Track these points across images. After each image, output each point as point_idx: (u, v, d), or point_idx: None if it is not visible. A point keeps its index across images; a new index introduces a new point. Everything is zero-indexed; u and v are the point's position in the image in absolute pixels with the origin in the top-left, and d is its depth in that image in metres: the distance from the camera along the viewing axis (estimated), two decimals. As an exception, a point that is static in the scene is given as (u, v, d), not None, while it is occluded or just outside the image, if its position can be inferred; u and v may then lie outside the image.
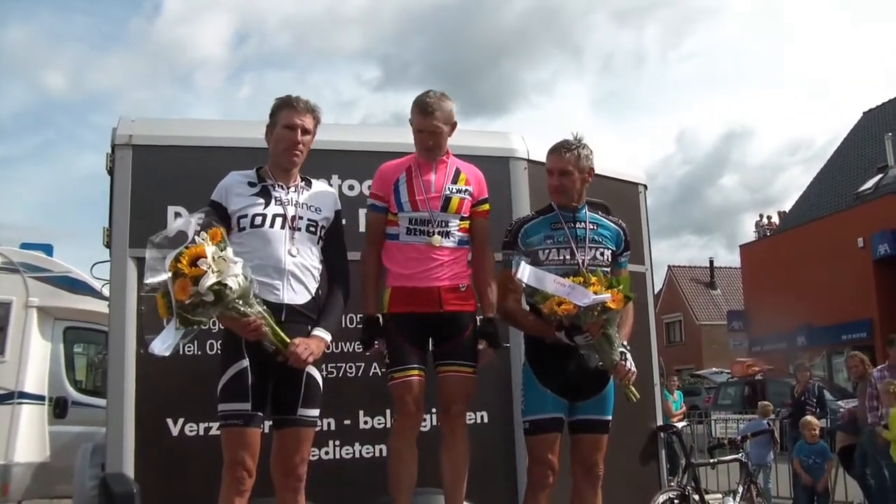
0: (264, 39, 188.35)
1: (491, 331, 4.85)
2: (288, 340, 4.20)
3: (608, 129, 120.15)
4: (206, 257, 3.92)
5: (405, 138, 4.91)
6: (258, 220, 4.38)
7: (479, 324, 4.86)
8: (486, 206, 4.96)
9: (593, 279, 4.69)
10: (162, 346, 4.02)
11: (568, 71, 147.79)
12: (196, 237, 4.03)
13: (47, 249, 11.34)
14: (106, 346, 5.75)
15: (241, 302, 4.03)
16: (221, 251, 4.00)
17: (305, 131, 4.50)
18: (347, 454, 5.40)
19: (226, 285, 3.93)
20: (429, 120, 4.77)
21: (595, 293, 4.59)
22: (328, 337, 4.41)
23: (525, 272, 4.71)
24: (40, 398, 10.16)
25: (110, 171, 5.44)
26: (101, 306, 8.79)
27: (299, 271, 4.41)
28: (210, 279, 3.89)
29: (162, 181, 5.35)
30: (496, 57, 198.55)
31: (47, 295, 10.48)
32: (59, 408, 10.20)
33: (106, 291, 6.58)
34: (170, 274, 3.95)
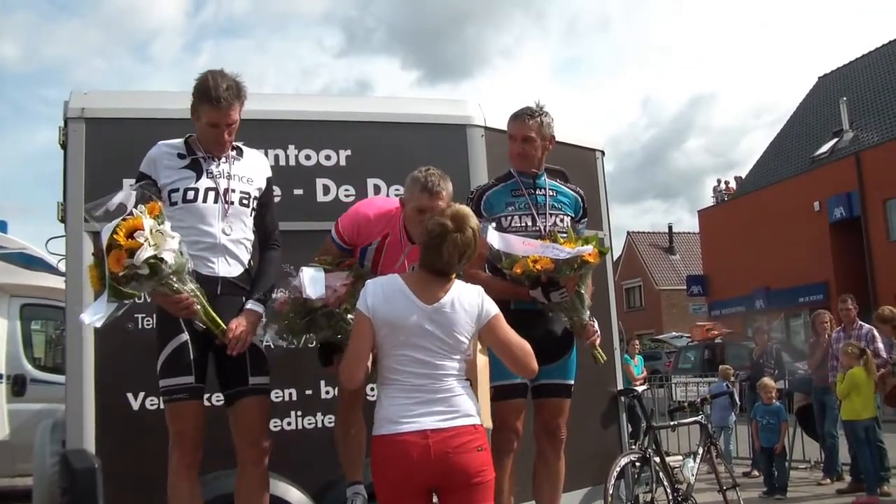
0: (221, 5, 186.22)
1: None
2: (219, 321, 4.20)
3: (573, 95, 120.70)
4: (143, 230, 3.87)
5: (363, 108, 4.86)
6: (190, 194, 4.33)
7: None
8: None
9: (561, 239, 4.72)
10: (93, 316, 3.99)
11: (532, 35, 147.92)
12: (134, 209, 3.97)
13: (1, 226, 11.20)
14: (64, 321, 5.69)
15: (174, 278, 4.00)
16: (160, 225, 3.95)
17: (230, 124, 4.37)
18: (310, 424, 5.39)
19: (162, 259, 3.89)
20: (434, 200, 4.48)
21: (570, 248, 4.64)
22: (261, 310, 4.41)
23: (494, 237, 4.72)
24: (-2, 376, 10.07)
25: (63, 146, 5.36)
26: (58, 282, 8.70)
27: (233, 245, 4.39)
28: (146, 252, 3.85)
29: (117, 154, 5.26)
30: (460, 21, 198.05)
31: (2, 272, 10.35)
32: (18, 385, 10.13)
33: (62, 267, 6.51)
34: (105, 245, 3.90)
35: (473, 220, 3.88)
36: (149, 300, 4.94)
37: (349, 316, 4.25)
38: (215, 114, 4.30)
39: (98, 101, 5.41)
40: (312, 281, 4.33)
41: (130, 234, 3.86)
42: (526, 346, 3.93)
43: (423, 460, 3.56)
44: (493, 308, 3.86)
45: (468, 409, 3.72)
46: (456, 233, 3.77)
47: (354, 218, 4.75)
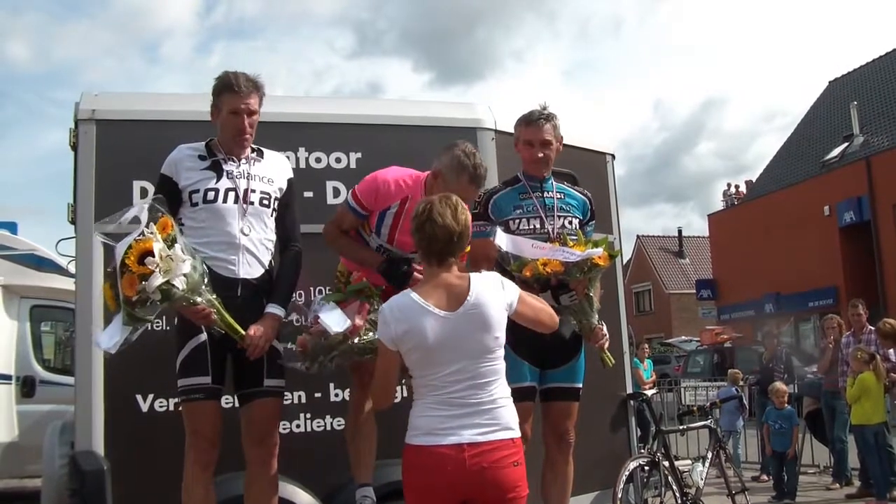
0: (233, 5, 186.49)
1: None
2: (238, 327, 4.20)
3: (584, 98, 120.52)
4: (153, 255, 3.85)
5: (373, 110, 4.85)
6: (210, 195, 4.35)
7: None
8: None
9: (571, 242, 4.71)
10: (109, 342, 3.97)
11: (544, 38, 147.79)
12: (145, 228, 3.95)
13: (12, 227, 11.23)
14: (73, 323, 5.69)
15: (189, 295, 4.00)
16: (170, 247, 3.93)
17: (251, 112, 4.42)
18: (318, 427, 5.38)
19: (173, 285, 3.89)
20: (473, 190, 4.58)
21: (580, 251, 4.62)
22: (281, 313, 4.41)
23: (503, 240, 4.71)
24: (7, 377, 10.09)
25: (74, 147, 5.36)
26: (68, 283, 8.71)
27: (253, 246, 4.39)
28: (157, 280, 3.84)
29: (127, 156, 5.27)
30: (472, 23, 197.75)
31: (12, 273, 10.38)
32: (27, 387, 10.15)
33: (72, 268, 6.52)
34: (118, 265, 3.89)
35: (451, 196, 3.84)
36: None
37: (370, 334, 4.26)
38: (236, 99, 4.36)
39: (109, 102, 5.42)
40: (332, 318, 4.33)
41: (141, 259, 3.84)
42: (545, 305, 3.95)
43: (457, 473, 3.49)
44: (514, 291, 3.77)
45: (509, 422, 3.64)
46: (441, 200, 3.74)
47: (372, 183, 4.71)
